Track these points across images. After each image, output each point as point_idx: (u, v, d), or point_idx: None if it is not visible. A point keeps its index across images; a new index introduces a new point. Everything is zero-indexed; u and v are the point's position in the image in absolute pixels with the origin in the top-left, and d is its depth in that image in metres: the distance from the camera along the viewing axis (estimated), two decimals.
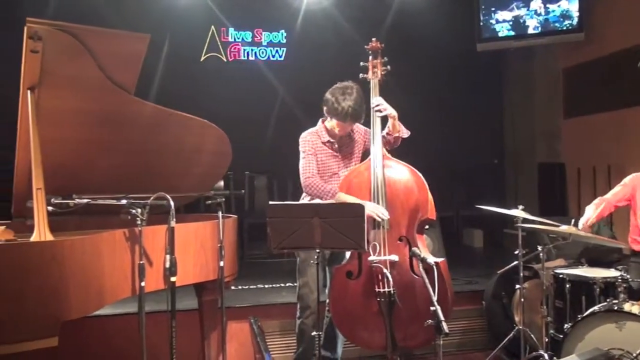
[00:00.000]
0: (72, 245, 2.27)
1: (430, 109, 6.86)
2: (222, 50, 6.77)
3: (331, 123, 3.38)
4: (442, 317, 2.53)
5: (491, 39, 6.53)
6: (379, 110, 3.34)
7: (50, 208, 2.46)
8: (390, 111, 3.36)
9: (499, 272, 3.98)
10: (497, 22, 6.49)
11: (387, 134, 3.39)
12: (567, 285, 3.31)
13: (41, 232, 2.29)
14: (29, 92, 2.49)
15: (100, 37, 2.60)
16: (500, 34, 6.50)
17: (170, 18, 6.35)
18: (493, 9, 6.49)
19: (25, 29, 2.36)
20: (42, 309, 2.12)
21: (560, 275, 3.39)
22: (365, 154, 3.54)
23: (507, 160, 7.57)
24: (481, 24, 6.52)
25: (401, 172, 3.29)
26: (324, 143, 3.43)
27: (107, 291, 2.47)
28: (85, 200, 2.68)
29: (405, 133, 3.46)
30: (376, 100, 3.36)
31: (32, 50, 2.39)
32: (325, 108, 3.37)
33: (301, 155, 3.43)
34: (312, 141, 3.42)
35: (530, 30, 6.38)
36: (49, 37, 2.39)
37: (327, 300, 3.34)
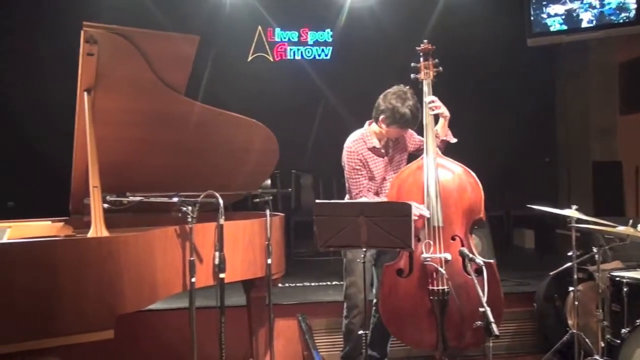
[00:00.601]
0: (127, 242, 2.34)
1: (478, 107, 6.73)
2: (268, 50, 6.84)
3: (383, 128, 3.33)
4: (491, 319, 2.48)
5: (542, 34, 6.33)
6: (432, 108, 3.29)
7: (105, 205, 2.54)
8: (444, 110, 3.31)
9: (551, 273, 3.87)
10: (549, 16, 6.29)
11: (435, 136, 3.34)
12: (625, 289, 3.17)
13: (98, 229, 2.37)
14: (85, 93, 2.58)
15: (151, 39, 2.67)
16: (552, 29, 6.30)
17: (218, 19, 6.46)
18: (544, 2, 6.29)
19: (82, 33, 2.44)
20: (99, 302, 2.19)
21: (617, 278, 3.26)
22: (411, 155, 3.50)
23: (559, 158, 7.33)
24: (532, 18, 6.34)
25: (455, 172, 3.25)
26: (370, 149, 3.38)
27: (159, 286, 2.53)
28: (138, 198, 2.76)
29: (452, 139, 3.41)
30: (431, 97, 3.32)
31: (88, 54, 2.48)
32: (382, 117, 3.28)
33: (347, 167, 3.36)
34: (358, 152, 3.35)
35: (584, 24, 6.15)
36: (103, 40, 2.47)
37: (375, 300, 3.33)
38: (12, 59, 6.14)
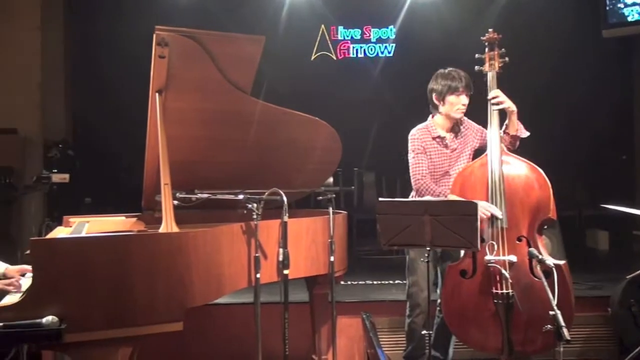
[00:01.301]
0: (195, 237, 2.42)
1: (549, 101, 6.47)
2: (331, 48, 6.87)
3: (444, 110, 3.31)
4: (562, 323, 2.39)
5: (619, 24, 6.01)
6: (497, 103, 3.21)
7: (175, 202, 2.63)
8: (509, 104, 3.21)
9: (628, 277, 3.68)
10: (626, 5, 5.95)
11: (505, 132, 3.24)
12: None
13: (168, 224, 2.46)
14: (157, 94, 2.68)
15: (219, 41, 2.74)
16: (629, 19, 5.96)
17: (282, 19, 6.56)
18: None
19: (154, 36, 2.54)
20: (170, 295, 2.27)
21: None
22: (478, 153, 3.42)
23: (637, 155, 6.94)
24: (607, 8, 6.03)
25: (521, 169, 3.13)
26: (434, 138, 3.36)
27: (226, 281, 2.60)
28: (206, 195, 2.84)
29: (524, 133, 3.29)
30: (494, 92, 3.23)
31: (159, 56, 2.57)
32: (434, 95, 3.33)
33: (410, 154, 3.37)
34: (421, 138, 3.36)
35: None
36: (174, 43, 2.56)
37: (438, 300, 3.28)
38: (90, 64, 6.50)
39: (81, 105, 6.61)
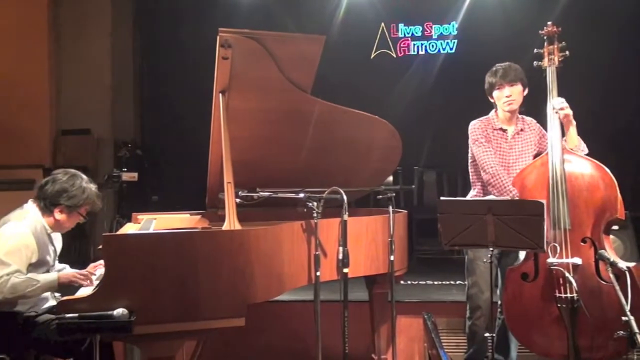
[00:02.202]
0: (257, 235, 2.47)
1: (615, 93, 6.12)
2: (391, 46, 6.81)
3: (497, 104, 3.27)
4: (636, 329, 2.28)
5: None
6: (562, 109, 3.06)
7: (238, 200, 2.70)
8: (571, 115, 3.08)
9: None
10: None
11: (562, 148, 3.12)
12: None
13: (231, 222, 2.52)
14: (220, 95, 2.76)
15: (280, 41, 2.79)
16: None
17: (342, 17, 6.56)
18: None
19: (218, 38, 2.61)
20: (232, 291, 2.33)
21: None
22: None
23: None
24: None
25: (584, 167, 3.00)
26: (495, 129, 3.30)
27: (286, 278, 2.64)
28: (267, 193, 2.89)
29: (582, 150, 3.14)
30: (559, 101, 3.09)
31: (223, 57, 2.64)
32: (488, 92, 3.32)
33: (474, 144, 3.29)
34: (482, 127, 3.30)
35: None
36: (237, 44, 2.63)
37: (499, 302, 3.20)
38: (157, 67, 6.75)
39: (149, 107, 6.89)
